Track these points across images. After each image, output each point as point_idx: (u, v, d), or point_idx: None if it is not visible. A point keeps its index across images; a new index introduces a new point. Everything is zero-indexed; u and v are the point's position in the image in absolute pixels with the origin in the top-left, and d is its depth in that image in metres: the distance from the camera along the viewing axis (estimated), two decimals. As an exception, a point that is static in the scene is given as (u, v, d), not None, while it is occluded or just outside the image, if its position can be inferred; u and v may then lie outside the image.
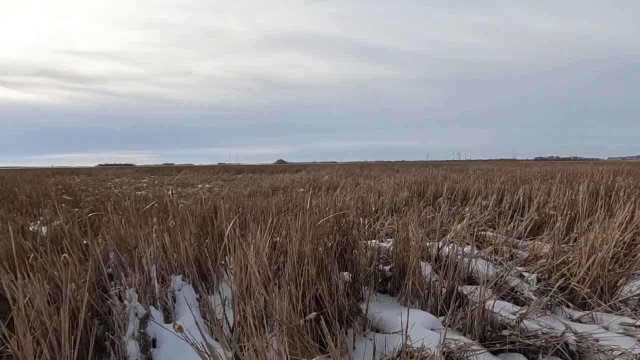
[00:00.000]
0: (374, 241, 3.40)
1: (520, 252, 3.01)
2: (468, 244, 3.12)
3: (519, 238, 3.57)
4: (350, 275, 2.39)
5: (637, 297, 2.05)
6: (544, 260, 2.29)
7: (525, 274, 2.37)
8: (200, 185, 12.48)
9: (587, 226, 2.97)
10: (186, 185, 12.90)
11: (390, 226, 3.91)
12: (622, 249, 2.36)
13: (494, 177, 6.26)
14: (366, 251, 2.78)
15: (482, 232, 3.59)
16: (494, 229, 3.93)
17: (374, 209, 4.39)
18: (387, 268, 2.63)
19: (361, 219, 4.13)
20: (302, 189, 8.89)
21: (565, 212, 3.48)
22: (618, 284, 2.10)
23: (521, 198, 4.19)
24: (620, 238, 2.51)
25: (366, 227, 3.78)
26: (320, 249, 2.66)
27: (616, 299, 1.99)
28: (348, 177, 11.98)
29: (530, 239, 3.50)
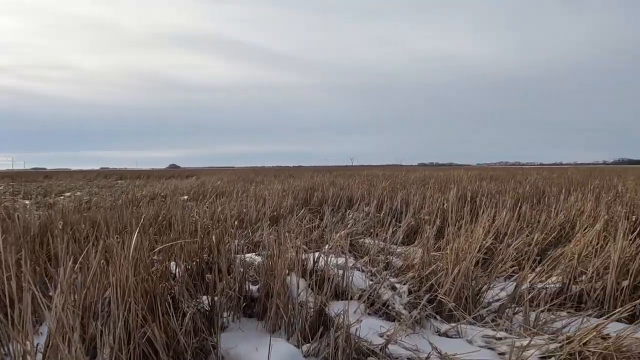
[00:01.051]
0: (249, 255, 3.11)
1: (395, 260, 2.97)
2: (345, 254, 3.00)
3: (396, 244, 3.58)
4: (209, 299, 2.06)
5: (498, 305, 2.06)
6: (413, 272, 2.22)
7: (398, 286, 2.28)
8: (68, 194, 10.94)
9: (456, 231, 3.05)
10: (51, 193, 11.19)
11: (271, 237, 3.65)
12: (484, 253, 2.41)
13: (377, 183, 6.41)
14: (232, 269, 2.47)
15: (361, 240, 3.52)
16: (376, 235, 3.91)
17: (254, 218, 4.09)
18: (255, 288, 2.35)
19: (239, 230, 3.81)
20: (184, 197, 8.22)
21: (436, 218, 3.58)
22: (482, 290, 2.10)
23: (399, 204, 4.26)
24: (484, 243, 2.58)
25: (241, 241, 3.47)
26: (181, 269, 2.28)
27: (480, 308, 1.97)
28: (239, 182, 11.53)
29: (407, 246, 3.54)
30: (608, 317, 1.53)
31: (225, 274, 2.22)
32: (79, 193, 11.00)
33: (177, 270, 2.53)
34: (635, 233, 2.12)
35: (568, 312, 1.97)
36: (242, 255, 2.92)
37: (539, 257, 2.72)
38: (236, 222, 3.91)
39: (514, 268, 2.46)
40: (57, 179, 21.46)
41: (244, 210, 4.16)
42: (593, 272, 2.02)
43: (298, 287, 2.10)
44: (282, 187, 6.52)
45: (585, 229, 2.61)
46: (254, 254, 3.12)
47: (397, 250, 3.40)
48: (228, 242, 2.91)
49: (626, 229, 2.02)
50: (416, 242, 3.50)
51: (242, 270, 2.43)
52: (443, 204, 4.15)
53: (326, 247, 3.09)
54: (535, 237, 2.55)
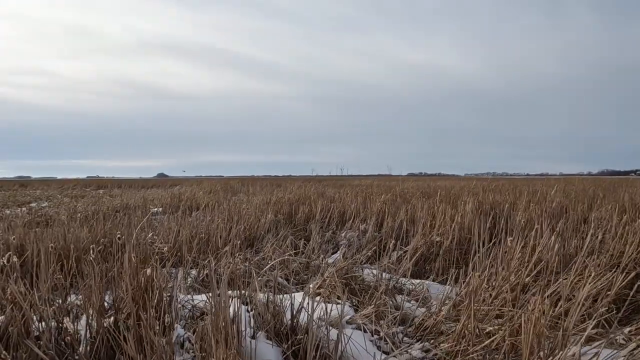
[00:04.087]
0: (201, 299, 2.25)
1: (409, 305, 2.12)
2: (339, 300, 2.14)
3: (405, 277, 2.75)
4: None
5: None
6: (451, 340, 1.38)
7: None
8: (34, 204, 9.95)
9: (490, 260, 2.22)
10: (15, 203, 10.20)
11: (228, 266, 2.77)
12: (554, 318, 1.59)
13: (373, 194, 5.59)
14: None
15: (359, 271, 2.68)
16: (376, 261, 3.07)
17: (222, 240, 3.22)
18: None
19: (201, 257, 2.94)
20: (156, 209, 7.31)
21: (455, 239, 2.76)
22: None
23: (404, 221, 3.43)
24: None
25: (199, 273, 2.60)
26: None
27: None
28: (221, 193, 10.62)
29: (419, 279, 2.70)
30: None
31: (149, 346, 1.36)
32: (45, 204, 10.04)
33: (87, 331, 1.67)
34: None
35: None
36: (190, 298, 2.06)
37: (614, 306, 1.91)
38: (196, 246, 3.05)
39: (588, 329, 1.63)
40: (32, 187, 20.21)
41: (209, 231, 3.30)
42: None
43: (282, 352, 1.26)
44: (263, 199, 5.66)
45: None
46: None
47: (407, 284, 2.57)
48: (164, 280, 2.04)
49: None
50: (432, 274, 2.67)
51: (181, 334, 1.59)
52: (459, 220, 3.32)
53: (311, 285, 2.24)
54: (616, 279, 1.75)
